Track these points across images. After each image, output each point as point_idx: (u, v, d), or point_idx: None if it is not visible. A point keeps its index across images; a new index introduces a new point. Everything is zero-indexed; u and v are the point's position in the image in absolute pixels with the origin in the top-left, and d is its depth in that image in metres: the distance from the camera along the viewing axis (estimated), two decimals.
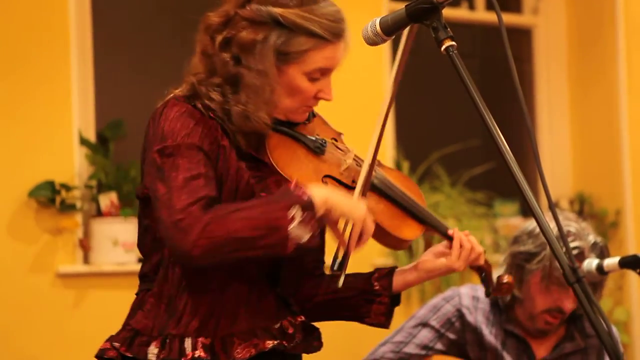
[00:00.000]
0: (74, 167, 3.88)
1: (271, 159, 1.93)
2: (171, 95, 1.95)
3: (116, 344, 1.90)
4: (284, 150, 1.96)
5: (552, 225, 1.69)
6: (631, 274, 4.68)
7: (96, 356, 1.94)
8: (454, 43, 1.75)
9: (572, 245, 2.62)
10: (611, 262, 2.39)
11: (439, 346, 2.76)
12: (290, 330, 1.96)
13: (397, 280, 2.07)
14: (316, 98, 1.97)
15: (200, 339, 1.87)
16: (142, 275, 1.98)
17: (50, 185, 3.78)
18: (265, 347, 1.90)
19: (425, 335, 2.77)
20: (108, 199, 3.90)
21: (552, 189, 4.87)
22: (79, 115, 3.94)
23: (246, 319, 1.92)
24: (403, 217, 2.05)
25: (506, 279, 2.16)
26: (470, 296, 2.80)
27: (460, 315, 2.77)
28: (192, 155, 1.84)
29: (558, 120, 5.07)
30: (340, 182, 1.98)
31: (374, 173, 2.01)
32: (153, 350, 1.86)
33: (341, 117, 4.29)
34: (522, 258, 2.71)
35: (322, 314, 2.09)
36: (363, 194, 1.95)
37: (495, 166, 4.76)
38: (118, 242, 3.88)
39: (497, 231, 4.70)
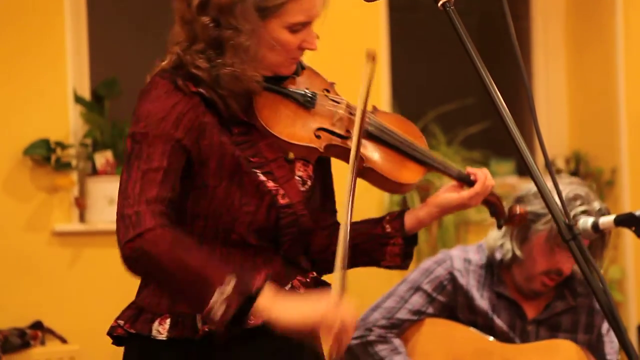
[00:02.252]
0: (69, 125, 3.87)
1: (260, 120, 1.91)
2: (158, 68, 1.92)
3: (120, 322, 1.91)
4: (272, 108, 1.93)
5: (549, 184, 1.69)
6: (626, 233, 4.69)
7: (108, 333, 1.94)
8: None
9: (581, 208, 2.62)
10: (606, 220, 2.39)
11: (430, 310, 2.77)
12: (302, 290, 1.94)
13: (409, 220, 2.06)
14: (300, 49, 1.94)
15: None
16: None
17: (45, 144, 3.77)
18: None
19: (417, 300, 2.77)
20: (103, 158, 3.89)
21: (548, 148, 4.85)
22: (74, 73, 3.92)
23: None
24: (402, 161, 2.04)
25: (518, 209, 2.14)
26: (461, 259, 2.80)
27: (452, 278, 2.77)
28: (158, 144, 1.82)
29: (555, 78, 5.06)
30: (333, 134, 1.97)
31: (368, 120, 2.00)
32: (158, 327, 1.87)
33: (339, 75, 4.29)
34: (528, 218, 2.71)
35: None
36: (358, 145, 1.93)
37: (491, 125, 4.75)
38: (114, 200, 3.87)
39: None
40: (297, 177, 1.96)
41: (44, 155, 3.78)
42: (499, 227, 2.15)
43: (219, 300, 1.73)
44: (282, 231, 1.93)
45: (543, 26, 5.07)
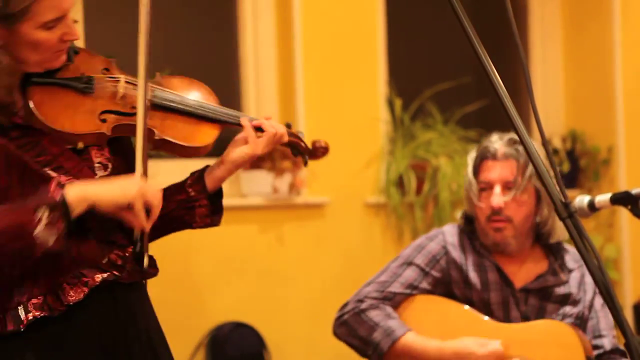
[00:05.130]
0: None
1: (39, 119, 1.89)
2: None
3: None
4: (51, 103, 1.91)
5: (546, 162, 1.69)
6: (622, 211, 4.70)
7: None
8: None
9: None
10: (603, 198, 2.39)
11: (424, 285, 2.78)
12: (119, 262, 1.98)
13: (209, 180, 2.10)
14: (63, 42, 1.93)
15: (31, 301, 1.91)
16: None
17: None
18: (96, 281, 1.94)
19: (409, 274, 2.78)
20: None
21: (544, 126, 4.85)
22: None
23: (71, 266, 1.94)
24: (195, 124, 2.05)
25: (323, 143, 2.17)
26: (453, 233, 2.82)
27: (445, 252, 2.79)
28: None
29: (551, 57, 5.05)
30: (120, 114, 1.96)
31: (150, 91, 1.98)
32: None
33: (337, 70, 4.28)
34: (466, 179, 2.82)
35: (152, 234, 2.08)
36: (145, 116, 1.93)
37: (487, 104, 4.75)
38: None
39: None
40: (97, 164, 1.98)
41: None
42: (305, 163, 2.18)
43: (43, 232, 1.80)
44: (84, 217, 1.94)
45: (540, 4, 5.06)
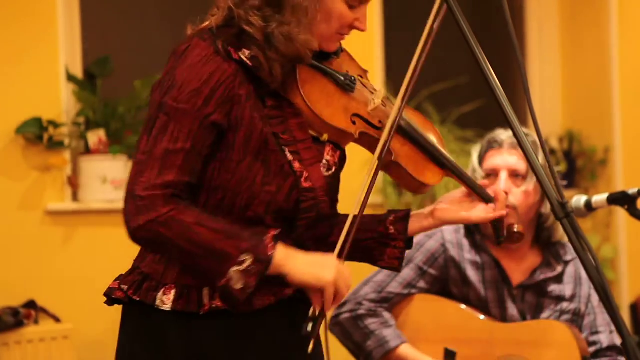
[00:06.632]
0: (61, 103, 3.86)
1: (301, 95, 1.87)
2: (203, 25, 1.86)
3: (124, 287, 1.88)
4: (314, 85, 1.89)
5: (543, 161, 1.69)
6: (619, 211, 4.71)
7: (105, 294, 1.91)
8: None
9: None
10: (600, 198, 2.40)
11: (421, 284, 2.77)
12: None
13: (413, 226, 2.02)
14: (350, 27, 1.91)
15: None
16: None
17: (37, 122, 3.76)
18: (285, 295, 1.88)
19: (407, 273, 2.77)
20: (96, 136, 3.88)
21: (541, 127, 4.86)
22: (66, 51, 3.90)
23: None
24: (425, 162, 2.00)
25: (517, 227, 2.07)
26: (452, 231, 2.81)
27: (444, 250, 2.78)
28: (186, 123, 1.78)
29: (548, 57, 5.05)
30: (368, 123, 1.93)
31: (402, 115, 1.96)
32: (162, 296, 1.84)
33: None
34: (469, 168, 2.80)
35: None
36: (389, 139, 1.89)
37: (484, 104, 4.75)
38: (107, 179, 3.87)
39: None
40: (324, 162, 1.92)
41: (37, 134, 3.77)
42: (498, 243, 2.07)
43: (237, 274, 1.75)
44: (300, 215, 1.89)
45: (537, 5, 5.06)
